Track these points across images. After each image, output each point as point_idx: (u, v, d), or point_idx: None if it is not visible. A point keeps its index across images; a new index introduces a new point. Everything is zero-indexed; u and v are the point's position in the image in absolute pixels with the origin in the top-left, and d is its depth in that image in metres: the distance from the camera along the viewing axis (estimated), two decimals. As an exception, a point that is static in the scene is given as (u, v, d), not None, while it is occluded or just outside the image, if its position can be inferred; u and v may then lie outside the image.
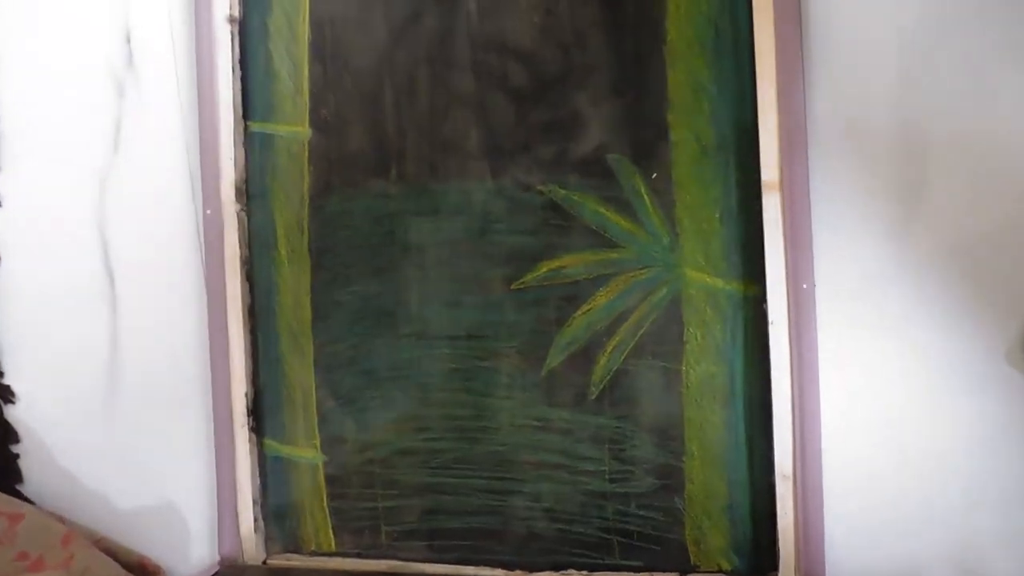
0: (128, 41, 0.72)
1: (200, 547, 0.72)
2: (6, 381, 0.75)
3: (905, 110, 0.59)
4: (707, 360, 0.62)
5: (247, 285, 0.69)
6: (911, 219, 0.60)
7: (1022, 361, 0.57)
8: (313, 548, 0.69)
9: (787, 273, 0.59)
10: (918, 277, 0.60)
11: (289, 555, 0.69)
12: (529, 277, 0.65)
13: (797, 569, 0.60)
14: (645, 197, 0.63)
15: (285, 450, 0.69)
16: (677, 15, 0.61)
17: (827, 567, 0.60)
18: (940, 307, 0.59)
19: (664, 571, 0.63)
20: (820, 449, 0.60)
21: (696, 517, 0.63)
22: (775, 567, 0.61)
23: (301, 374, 0.69)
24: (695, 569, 0.63)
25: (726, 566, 0.63)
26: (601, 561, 0.64)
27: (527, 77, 0.64)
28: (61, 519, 0.71)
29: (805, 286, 0.59)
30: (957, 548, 0.60)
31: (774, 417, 0.60)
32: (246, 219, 0.69)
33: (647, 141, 0.63)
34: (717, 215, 0.62)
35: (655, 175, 0.63)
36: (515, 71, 0.64)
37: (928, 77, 0.59)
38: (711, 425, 0.62)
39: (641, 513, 0.64)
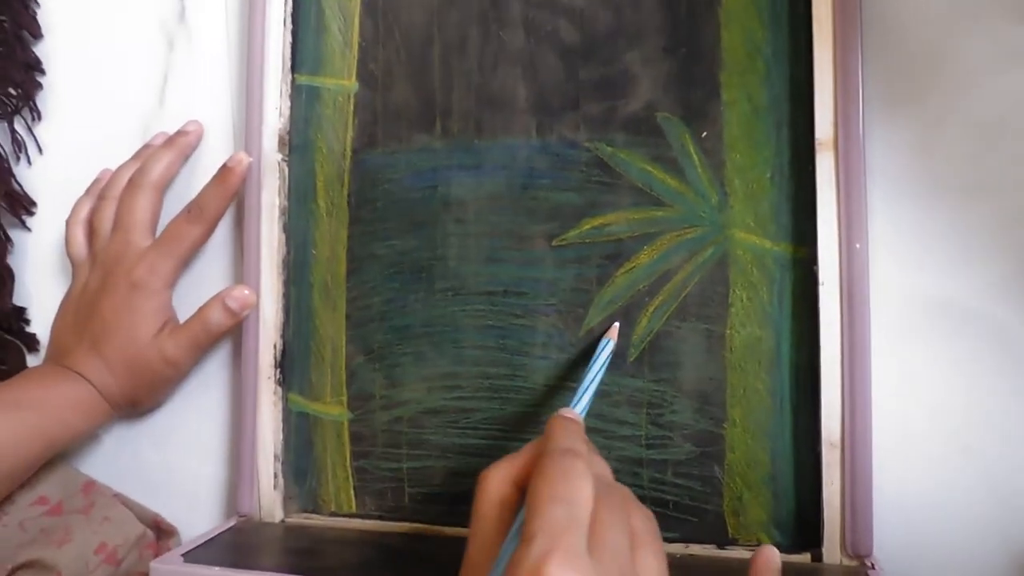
0: (182, -5, 0.73)
1: (216, 502, 0.69)
2: (31, 330, 0.74)
3: (967, 69, 0.58)
4: (752, 323, 0.60)
5: (283, 236, 0.68)
6: (973, 180, 0.58)
7: None
8: (333, 508, 0.66)
9: (840, 233, 0.57)
10: (983, 243, 0.58)
11: (308, 515, 0.67)
12: (571, 234, 0.63)
13: (842, 544, 0.57)
14: (694, 156, 0.62)
15: (311, 406, 0.67)
16: (734, -27, 0.61)
17: (874, 545, 0.57)
18: (1007, 274, 0.57)
19: (700, 543, 0.60)
20: (870, 419, 0.57)
21: (736, 487, 0.60)
22: (818, 543, 0.58)
23: (332, 328, 0.67)
24: (733, 542, 0.60)
25: (766, 540, 0.59)
26: (634, 531, 0.61)
27: (578, 35, 0.64)
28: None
29: (858, 246, 0.57)
30: (1017, 537, 0.57)
31: (822, 381, 0.57)
32: (287, 170, 0.68)
33: (698, 100, 0.62)
34: (768, 175, 0.60)
35: (705, 134, 0.62)
36: (566, 28, 0.64)
37: (987, 36, 0.58)
38: (755, 391, 0.60)
39: (678, 482, 0.61)
